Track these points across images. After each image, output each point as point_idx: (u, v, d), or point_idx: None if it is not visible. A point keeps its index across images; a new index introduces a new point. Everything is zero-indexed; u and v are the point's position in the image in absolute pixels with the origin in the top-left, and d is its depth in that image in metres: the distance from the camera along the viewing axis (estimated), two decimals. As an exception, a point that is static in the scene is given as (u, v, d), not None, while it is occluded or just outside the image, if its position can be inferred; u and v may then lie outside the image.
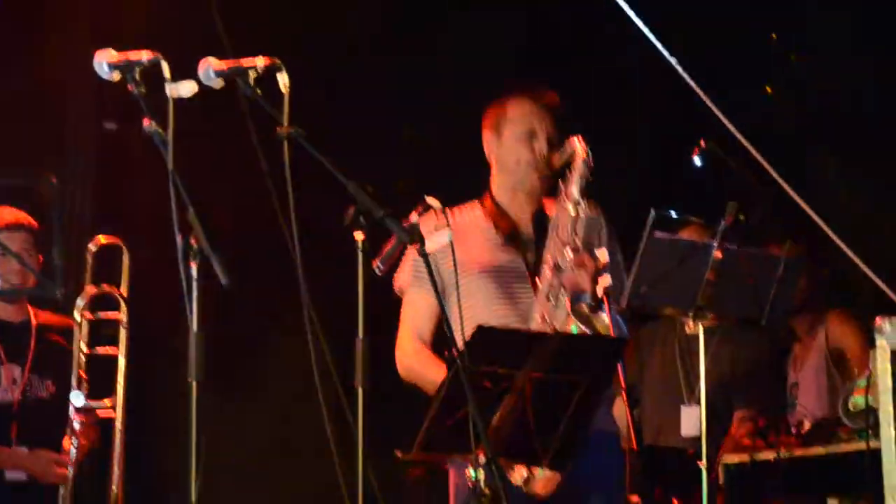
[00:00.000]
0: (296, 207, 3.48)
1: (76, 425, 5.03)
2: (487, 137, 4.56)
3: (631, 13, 4.74)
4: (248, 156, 3.60)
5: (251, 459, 6.75)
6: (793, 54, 7.24)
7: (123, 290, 5.19)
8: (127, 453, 5.11)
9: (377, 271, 3.80)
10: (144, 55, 3.45)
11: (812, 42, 7.06)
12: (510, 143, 4.49)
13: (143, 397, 5.59)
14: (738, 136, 4.94)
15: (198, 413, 3.27)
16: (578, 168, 4.36)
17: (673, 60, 4.87)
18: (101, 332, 5.23)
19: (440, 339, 4.43)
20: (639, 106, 6.87)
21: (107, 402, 5.10)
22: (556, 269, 4.30)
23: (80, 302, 5.13)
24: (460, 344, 3.70)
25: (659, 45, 4.89)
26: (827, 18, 6.87)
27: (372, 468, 3.39)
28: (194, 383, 3.30)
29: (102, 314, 5.16)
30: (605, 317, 4.17)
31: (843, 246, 4.93)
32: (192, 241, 3.31)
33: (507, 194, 4.53)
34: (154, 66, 3.43)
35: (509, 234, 4.46)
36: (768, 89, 7.28)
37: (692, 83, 4.95)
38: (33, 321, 5.27)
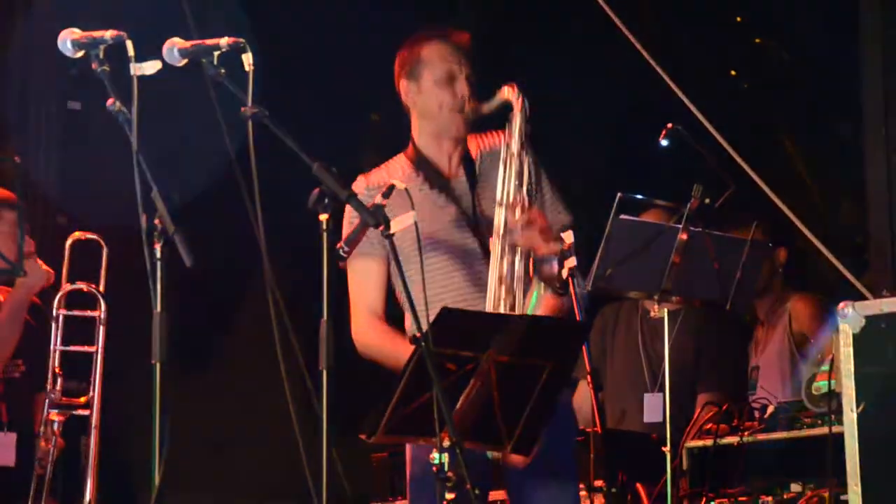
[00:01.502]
0: (260, 188, 3.46)
1: (55, 426, 4.98)
2: (404, 85, 4.41)
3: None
4: (212, 136, 3.58)
5: (216, 442, 6.74)
6: (757, 37, 7.26)
7: (101, 286, 5.14)
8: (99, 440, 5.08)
9: (341, 253, 3.78)
10: (108, 34, 3.43)
11: (775, 23, 7.08)
12: (429, 87, 4.35)
13: (113, 381, 5.57)
14: (702, 119, 4.95)
15: (162, 395, 3.25)
16: (516, 120, 4.26)
17: (637, 42, 4.88)
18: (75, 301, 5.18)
19: (391, 308, 4.37)
20: (604, 88, 6.87)
21: (82, 399, 5.06)
22: (507, 231, 4.20)
23: (56, 299, 5.08)
24: (424, 326, 3.69)
25: (625, 30, 4.89)
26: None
27: (336, 451, 3.39)
28: (158, 364, 3.28)
29: (78, 311, 5.12)
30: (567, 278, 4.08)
31: (803, 229, 4.96)
32: (157, 222, 3.29)
33: (432, 141, 4.38)
34: (118, 45, 3.41)
35: (442, 186, 4.35)
36: (733, 73, 7.30)
37: (657, 68, 4.96)
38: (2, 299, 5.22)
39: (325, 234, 3.45)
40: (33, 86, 6.48)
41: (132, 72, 3.37)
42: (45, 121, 6.53)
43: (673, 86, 4.96)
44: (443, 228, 4.30)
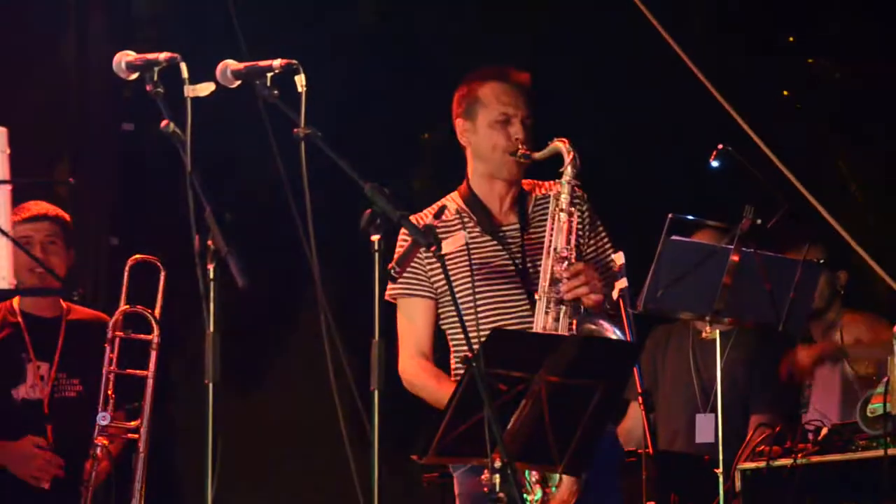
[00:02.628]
0: (312, 209, 3.48)
1: (98, 450, 4.99)
2: (460, 124, 4.40)
3: (650, 16, 4.73)
4: (264, 156, 3.60)
5: (267, 462, 6.75)
6: (809, 57, 7.23)
7: (157, 311, 5.15)
8: (148, 459, 5.08)
9: (393, 273, 3.79)
10: (162, 56, 3.46)
11: (830, 44, 7.04)
12: (484, 128, 4.34)
13: (160, 401, 5.59)
14: (756, 139, 4.93)
15: (214, 415, 3.26)
16: (566, 174, 4.28)
17: (692, 64, 4.87)
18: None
19: (440, 344, 4.38)
20: (656, 108, 6.86)
21: (132, 424, 5.07)
22: (553, 282, 4.22)
23: (111, 322, 5.09)
24: (475, 347, 3.69)
25: (678, 49, 4.88)
26: (846, 20, 6.86)
27: (387, 470, 3.39)
28: (210, 385, 3.29)
29: (134, 335, 5.13)
30: (610, 329, 4.11)
31: (859, 249, 4.93)
32: (209, 243, 3.31)
33: (485, 182, 4.38)
34: (172, 67, 3.44)
35: (493, 231, 4.35)
36: (785, 93, 7.27)
37: (710, 87, 4.95)
38: (65, 317, 5.23)
39: (376, 255, 3.46)
40: (88, 108, 6.53)
41: (186, 93, 3.40)
42: (99, 142, 6.58)
43: (726, 105, 4.95)
44: (487, 272, 4.31)
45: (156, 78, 3.46)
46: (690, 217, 4.95)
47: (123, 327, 5.11)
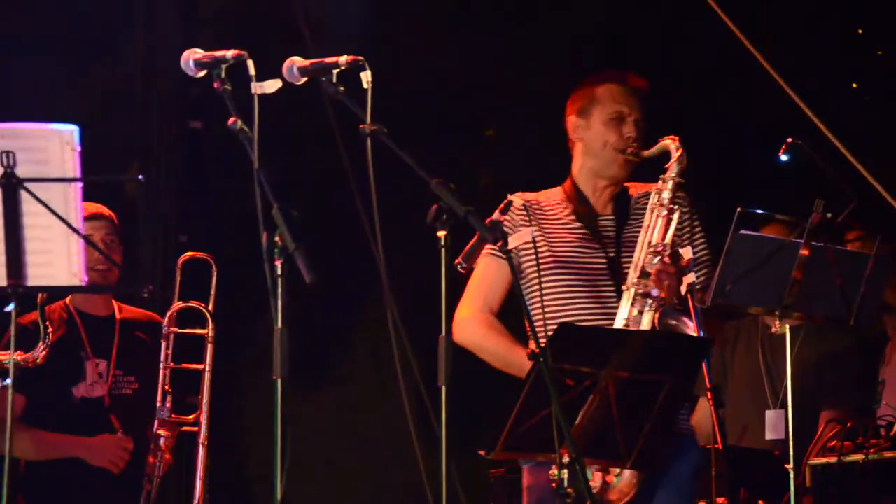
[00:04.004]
0: (378, 205, 3.48)
1: (161, 441, 5.05)
2: (573, 120, 4.51)
3: (720, 12, 4.70)
4: (331, 153, 3.61)
5: (334, 458, 6.77)
6: (879, 49, 7.15)
7: (210, 306, 5.21)
8: (211, 454, 5.13)
9: (459, 269, 3.79)
10: (230, 53, 3.48)
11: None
12: (598, 125, 4.45)
13: (227, 397, 5.63)
14: (826, 132, 4.88)
15: (282, 411, 3.28)
16: (672, 170, 4.33)
17: (760, 57, 4.83)
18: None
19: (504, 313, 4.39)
20: (725, 101, 6.82)
21: (190, 417, 5.13)
22: (643, 275, 4.24)
23: (166, 318, 5.15)
24: (543, 341, 3.68)
25: (746, 42, 4.85)
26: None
27: (454, 466, 3.39)
28: (279, 381, 3.31)
29: (189, 329, 5.19)
30: (691, 327, 4.12)
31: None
32: (277, 239, 3.32)
33: (590, 178, 4.47)
34: (239, 65, 3.46)
35: (589, 223, 4.41)
36: (854, 85, 7.20)
37: (779, 80, 4.91)
38: (118, 315, 5.29)
39: (443, 251, 3.46)
40: (156, 105, 6.58)
41: (253, 90, 3.42)
42: (168, 140, 6.63)
43: (795, 97, 4.90)
44: (576, 256, 4.33)
45: (223, 75, 3.48)
46: (759, 211, 4.91)
47: (179, 323, 5.17)
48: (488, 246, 4.24)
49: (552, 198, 4.48)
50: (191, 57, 3.55)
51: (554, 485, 3.67)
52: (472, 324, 4.31)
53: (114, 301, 5.32)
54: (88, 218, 5.17)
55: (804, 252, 4.78)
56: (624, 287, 4.25)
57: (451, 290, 3.49)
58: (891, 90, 7.05)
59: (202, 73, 3.54)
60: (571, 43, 6.68)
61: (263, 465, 3.36)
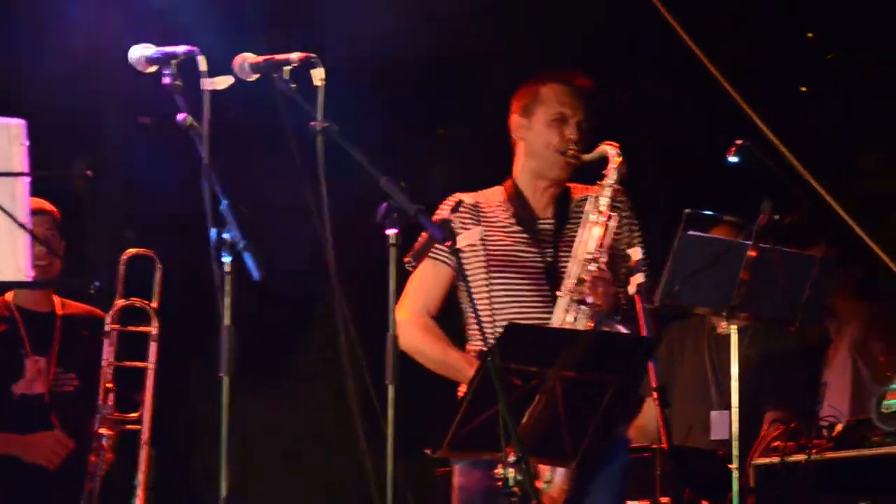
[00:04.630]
0: (328, 202, 3.48)
1: (102, 440, 5.02)
2: (515, 120, 4.49)
3: (667, 15, 4.73)
4: (281, 150, 3.60)
5: (281, 456, 6.76)
6: (829, 53, 7.20)
7: (155, 303, 5.18)
8: (158, 452, 5.10)
9: (409, 268, 3.79)
10: (181, 49, 3.47)
11: (850, 40, 7.02)
12: (540, 126, 4.42)
13: (174, 396, 5.60)
14: (771, 136, 4.92)
15: (229, 408, 3.27)
16: (610, 177, 4.32)
17: (708, 62, 4.86)
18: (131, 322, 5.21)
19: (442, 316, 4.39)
20: (673, 104, 6.85)
21: (133, 415, 5.09)
22: (578, 282, 4.24)
23: (109, 316, 5.11)
24: (491, 341, 3.69)
25: (692, 45, 4.87)
26: (864, 16, 6.83)
27: (401, 465, 3.39)
28: (226, 378, 3.30)
29: (133, 327, 5.16)
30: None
31: (875, 247, 4.92)
32: (225, 235, 3.31)
33: (530, 179, 4.45)
34: (190, 60, 3.44)
35: (529, 227, 4.40)
36: (803, 88, 7.25)
37: (725, 84, 4.94)
38: (59, 311, 5.24)
39: (392, 249, 3.46)
40: (105, 101, 6.54)
41: (203, 87, 3.40)
42: (117, 136, 6.59)
43: (742, 102, 4.94)
44: (514, 261, 4.33)
45: (174, 71, 3.46)
46: (707, 212, 4.94)
47: (123, 321, 5.14)
48: (434, 246, 4.24)
49: (493, 199, 4.45)
50: (141, 52, 3.53)
51: (500, 483, 3.67)
52: (409, 327, 4.27)
53: (56, 297, 5.27)
54: (32, 213, 5.14)
55: (751, 253, 4.81)
56: (559, 293, 4.24)
57: (401, 289, 3.49)
58: (840, 94, 7.11)
59: (152, 69, 3.53)
60: (520, 42, 6.69)
61: (210, 463, 3.36)
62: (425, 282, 4.33)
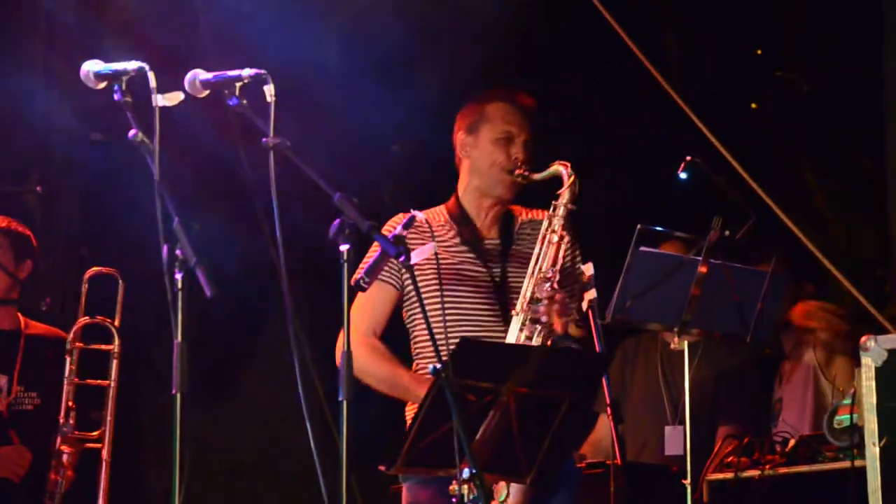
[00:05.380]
0: (281, 218, 3.47)
1: (64, 457, 5.00)
2: (461, 138, 4.47)
3: (619, 30, 4.75)
4: (233, 166, 3.59)
5: (235, 473, 6.73)
6: (778, 70, 7.26)
7: (117, 321, 5.17)
8: (112, 469, 5.08)
9: (362, 284, 3.78)
10: (131, 65, 3.45)
11: (796, 56, 7.08)
12: (486, 144, 4.41)
13: (127, 412, 5.56)
14: (724, 151, 4.96)
15: (181, 426, 3.25)
16: (564, 198, 4.31)
17: (660, 77, 4.89)
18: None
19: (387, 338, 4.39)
20: (623, 119, 6.88)
21: (94, 433, 5.08)
22: (532, 301, 4.24)
23: (71, 333, 5.11)
24: (443, 355, 3.69)
25: (646, 62, 4.90)
26: (814, 33, 6.89)
27: (356, 481, 3.38)
28: (178, 395, 3.28)
29: (95, 345, 5.15)
30: None
31: (825, 261, 4.95)
32: (178, 253, 3.30)
33: (475, 198, 4.44)
34: (140, 76, 3.43)
35: (474, 246, 4.40)
36: (753, 105, 7.30)
37: (678, 99, 4.97)
38: (24, 331, 5.22)
39: (345, 265, 3.45)
40: (56, 117, 6.51)
41: (154, 103, 3.39)
42: (68, 152, 6.55)
43: (694, 118, 4.97)
44: (460, 282, 4.32)
45: (124, 87, 3.45)
46: (659, 228, 4.96)
47: (84, 338, 5.13)
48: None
49: (436, 219, 4.44)
50: (91, 68, 3.51)
51: (454, 500, 3.67)
52: (356, 350, 4.25)
53: (20, 316, 5.25)
54: None
55: (702, 269, 4.84)
56: (514, 312, 4.25)
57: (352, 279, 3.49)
58: (788, 110, 7.17)
59: (102, 85, 3.51)
60: (472, 57, 6.70)
61: (163, 479, 3.33)
62: (370, 301, 4.32)
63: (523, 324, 4.21)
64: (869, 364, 3.86)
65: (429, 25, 6.61)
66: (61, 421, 5.02)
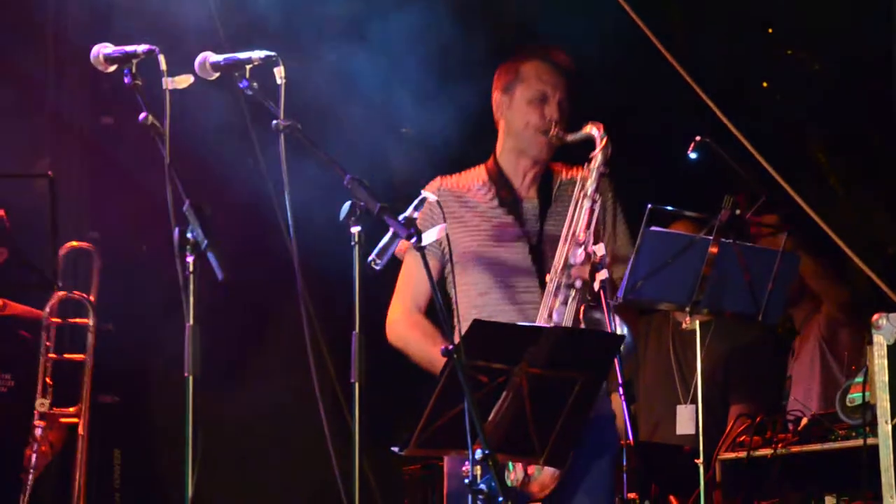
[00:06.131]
0: (292, 201, 3.47)
1: (37, 432, 4.98)
2: (497, 98, 4.46)
3: (627, 8, 4.73)
4: (244, 149, 3.59)
5: (248, 455, 6.74)
6: (789, 48, 7.24)
7: (92, 295, 5.16)
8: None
9: (373, 265, 3.79)
10: (140, 48, 3.45)
11: (807, 34, 7.05)
12: (520, 104, 4.40)
13: (141, 396, 5.57)
14: (734, 130, 4.94)
15: (194, 408, 3.26)
16: (596, 160, 4.30)
17: (670, 56, 4.87)
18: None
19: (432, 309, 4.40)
20: (635, 99, 6.86)
21: (71, 409, 5.06)
22: (566, 266, 4.24)
23: (47, 308, 5.08)
24: (456, 338, 3.69)
25: (655, 41, 4.88)
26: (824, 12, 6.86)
27: (368, 463, 3.38)
28: (191, 378, 3.28)
29: (72, 319, 5.13)
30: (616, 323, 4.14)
31: (837, 239, 4.94)
32: (189, 236, 3.30)
33: (512, 158, 4.44)
34: (150, 60, 3.43)
35: (512, 208, 4.39)
36: (765, 84, 7.28)
37: (689, 78, 4.95)
38: None
39: (356, 247, 3.45)
40: (66, 101, 6.51)
41: (165, 86, 3.39)
42: (78, 136, 6.56)
43: (704, 97, 4.95)
44: (496, 245, 4.32)
45: (134, 70, 3.45)
46: (669, 208, 4.95)
47: (60, 314, 5.12)
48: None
49: (474, 181, 4.44)
50: (101, 51, 3.51)
51: (468, 480, 3.67)
52: (399, 326, 4.32)
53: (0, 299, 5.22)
54: None
55: (713, 249, 4.83)
56: (548, 277, 4.25)
57: (366, 287, 3.48)
58: (799, 89, 7.14)
59: (113, 68, 3.51)
60: (486, 40, 6.68)
61: (175, 463, 3.34)
62: (412, 277, 4.35)
63: (557, 288, 4.21)
64: (881, 342, 3.85)
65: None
66: (38, 397, 4.99)
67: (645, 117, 6.93)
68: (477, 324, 3.76)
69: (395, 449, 3.70)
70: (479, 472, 3.59)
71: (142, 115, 3.39)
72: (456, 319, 4.31)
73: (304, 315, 3.52)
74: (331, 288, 4.00)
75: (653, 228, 4.82)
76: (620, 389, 4.27)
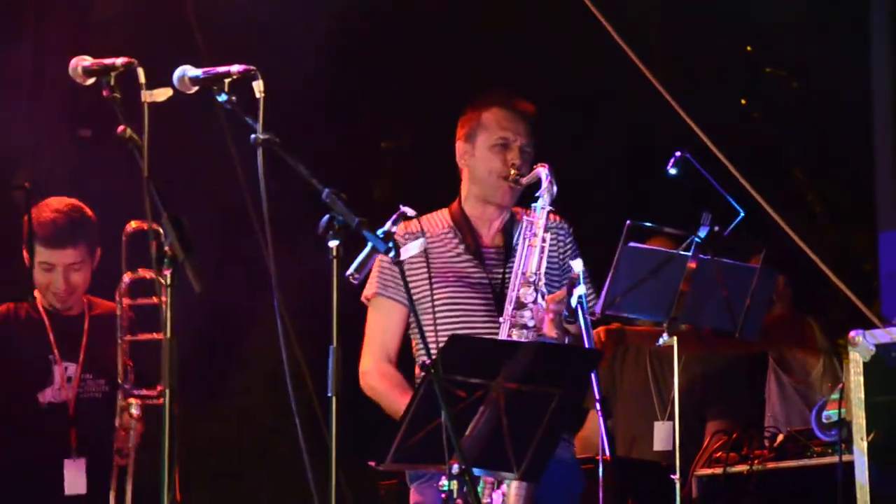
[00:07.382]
0: (270, 215, 3.47)
1: (134, 411, 4.81)
2: (460, 146, 4.50)
3: (608, 27, 4.75)
4: (223, 162, 3.59)
5: (224, 468, 6.73)
6: (767, 66, 7.28)
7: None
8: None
9: (351, 280, 3.79)
10: (119, 61, 3.45)
11: (785, 53, 7.09)
12: (483, 152, 4.43)
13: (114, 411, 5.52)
14: (712, 147, 4.96)
15: (171, 420, 3.25)
16: (543, 200, 4.33)
17: (649, 74, 4.89)
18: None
19: (406, 350, 4.41)
20: (615, 116, 6.89)
21: (154, 391, 4.88)
22: (518, 306, 4.25)
23: (118, 292, 4.90)
24: (434, 353, 3.69)
25: (634, 57, 4.90)
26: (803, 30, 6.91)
27: (345, 477, 3.38)
28: (167, 391, 3.28)
29: (141, 300, 4.95)
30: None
31: (813, 256, 4.95)
32: (167, 248, 3.29)
33: (477, 205, 4.47)
34: (129, 72, 3.42)
35: (474, 251, 4.41)
36: (743, 101, 7.32)
37: (667, 96, 4.97)
38: (88, 313, 5.09)
39: (334, 261, 3.45)
40: (44, 113, 6.49)
41: (143, 99, 3.39)
42: (56, 148, 6.54)
43: (683, 114, 4.97)
44: (460, 290, 4.34)
45: (112, 83, 3.44)
46: (648, 224, 4.96)
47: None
48: (375, 286, 4.27)
49: (439, 225, 4.47)
50: (80, 64, 3.51)
51: (444, 496, 3.67)
52: (370, 377, 4.35)
53: (87, 298, 5.07)
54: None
55: (691, 265, 4.85)
56: (501, 318, 4.26)
57: (343, 301, 3.48)
58: (777, 107, 7.18)
59: (91, 81, 3.50)
60: (464, 58, 6.71)
61: (153, 474, 3.33)
62: (379, 324, 4.38)
63: (510, 330, 4.23)
64: (857, 359, 3.87)
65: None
66: (120, 379, 4.82)
67: (624, 134, 6.95)
68: (454, 338, 3.76)
69: (372, 463, 3.70)
70: (455, 488, 3.59)
71: (120, 128, 3.38)
72: (430, 335, 4.30)
73: (280, 328, 3.51)
74: (308, 302, 4.00)
75: (631, 244, 4.83)
76: (598, 405, 4.27)
